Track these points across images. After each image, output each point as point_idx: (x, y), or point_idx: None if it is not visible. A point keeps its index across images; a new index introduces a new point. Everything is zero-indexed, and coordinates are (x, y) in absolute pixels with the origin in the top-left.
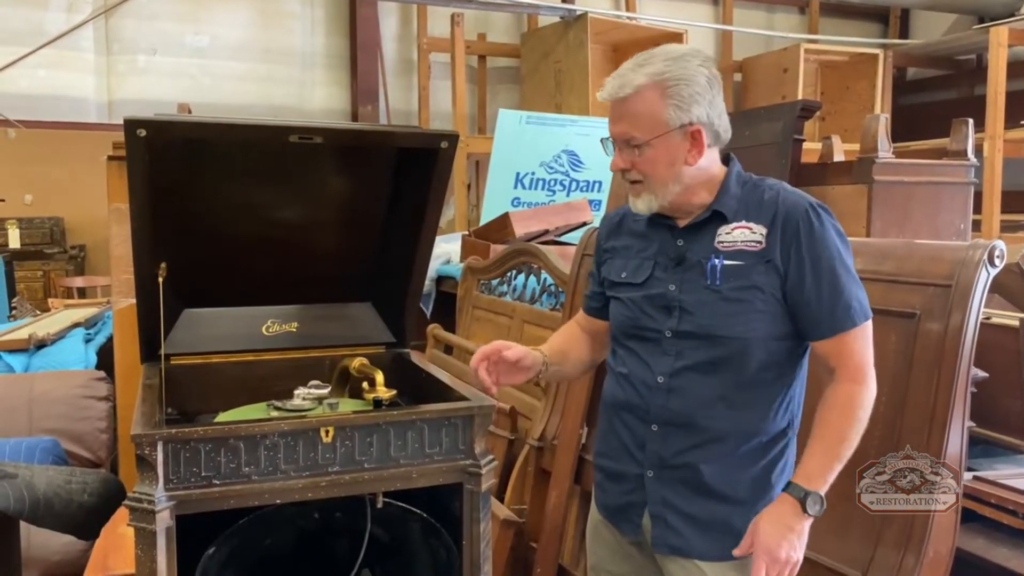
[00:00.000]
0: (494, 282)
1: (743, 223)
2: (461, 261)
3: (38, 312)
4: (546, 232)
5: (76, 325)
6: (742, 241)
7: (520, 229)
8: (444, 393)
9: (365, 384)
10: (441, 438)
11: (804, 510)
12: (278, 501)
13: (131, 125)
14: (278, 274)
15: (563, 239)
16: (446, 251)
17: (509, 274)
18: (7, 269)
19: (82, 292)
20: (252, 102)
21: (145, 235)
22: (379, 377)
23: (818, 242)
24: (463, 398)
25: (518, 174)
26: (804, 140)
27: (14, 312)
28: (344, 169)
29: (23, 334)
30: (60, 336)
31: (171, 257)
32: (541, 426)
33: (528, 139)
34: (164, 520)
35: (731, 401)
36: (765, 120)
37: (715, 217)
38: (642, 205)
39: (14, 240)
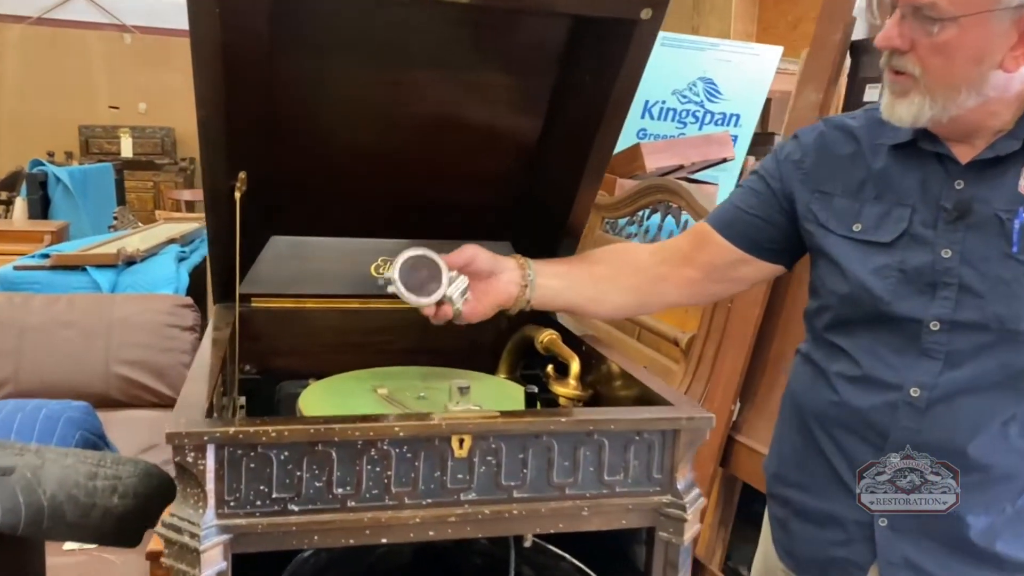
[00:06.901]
0: (621, 221)
1: None
2: None
3: (140, 224)
4: (680, 167)
5: (171, 241)
6: None
7: (652, 163)
8: (625, 386)
9: (550, 369)
10: (628, 460)
11: None
12: (383, 540)
13: None
14: (394, 198)
15: (698, 176)
16: None
17: (641, 213)
18: (118, 178)
19: (190, 206)
20: None
21: (217, 132)
22: (574, 366)
23: None
24: (662, 400)
25: (647, 103)
26: None
27: (115, 223)
28: (493, 54)
29: (112, 248)
30: (151, 253)
31: (254, 166)
32: None
33: (661, 64)
34: (213, 560)
35: (1022, 426)
36: None
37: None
38: (904, 112)
39: (126, 149)
